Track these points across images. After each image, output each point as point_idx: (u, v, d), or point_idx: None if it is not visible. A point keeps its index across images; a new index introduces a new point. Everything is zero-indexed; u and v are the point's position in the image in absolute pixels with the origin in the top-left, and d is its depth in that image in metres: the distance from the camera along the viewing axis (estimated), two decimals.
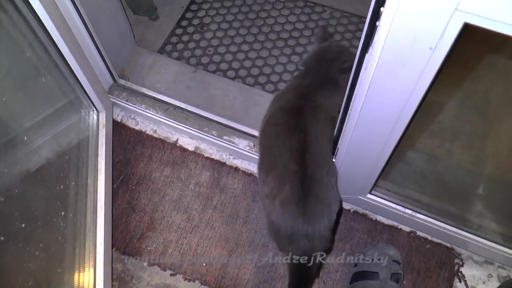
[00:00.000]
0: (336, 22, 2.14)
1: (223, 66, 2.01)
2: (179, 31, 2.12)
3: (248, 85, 1.95)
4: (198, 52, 2.05)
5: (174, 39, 2.09)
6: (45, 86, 1.44)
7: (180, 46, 2.07)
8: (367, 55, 1.06)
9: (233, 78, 1.97)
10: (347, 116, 1.31)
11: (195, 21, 2.16)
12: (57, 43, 1.35)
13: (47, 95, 1.47)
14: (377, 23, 0.95)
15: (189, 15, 2.18)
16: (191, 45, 2.08)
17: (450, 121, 1.63)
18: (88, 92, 1.58)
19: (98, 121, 1.69)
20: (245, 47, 2.06)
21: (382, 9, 0.91)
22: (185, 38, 2.10)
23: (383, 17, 0.91)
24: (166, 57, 2.00)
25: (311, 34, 2.10)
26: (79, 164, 1.55)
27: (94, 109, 1.70)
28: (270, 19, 2.16)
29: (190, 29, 2.13)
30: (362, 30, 2.05)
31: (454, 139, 1.66)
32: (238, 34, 2.11)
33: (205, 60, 2.03)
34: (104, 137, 1.66)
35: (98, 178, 1.59)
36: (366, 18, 1.96)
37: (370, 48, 1.01)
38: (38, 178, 1.36)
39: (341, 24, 2.14)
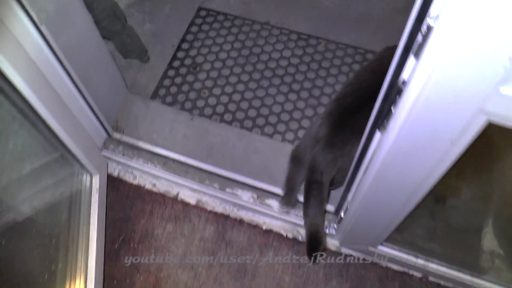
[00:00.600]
0: (332, 55, 2.10)
1: (219, 109, 1.95)
2: (171, 72, 2.06)
3: (246, 128, 1.90)
4: (192, 95, 1.99)
5: (167, 82, 2.03)
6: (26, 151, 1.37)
7: (173, 89, 2.01)
8: (379, 133, 1.01)
9: (231, 122, 1.92)
10: (357, 180, 1.27)
11: (187, 61, 2.09)
12: (45, 119, 1.28)
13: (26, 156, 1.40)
14: (392, 109, 0.90)
15: (180, 54, 2.12)
16: (185, 87, 2.02)
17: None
18: (80, 158, 1.50)
19: (91, 186, 1.61)
20: (240, 87, 2.01)
21: (397, 97, 0.87)
22: (178, 80, 2.04)
23: (400, 106, 0.86)
24: (160, 104, 1.94)
25: (307, 69, 2.05)
26: (69, 242, 1.47)
27: (87, 172, 1.62)
28: (264, 55, 2.10)
29: (183, 70, 2.07)
30: (358, 62, 2.03)
31: (468, 188, 1.63)
32: (233, 73, 2.05)
33: (200, 103, 1.97)
34: (97, 203, 1.58)
35: (89, 250, 1.52)
36: (361, 48, 1.91)
37: (385, 131, 0.96)
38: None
39: (337, 57, 2.09)
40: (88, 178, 1.61)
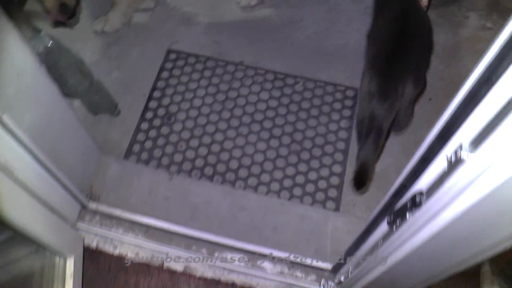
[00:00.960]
0: (311, 95, 2.02)
1: (199, 162, 1.85)
2: (144, 125, 1.94)
3: (229, 182, 1.81)
4: (169, 149, 1.88)
5: (141, 137, 1.92)
6: None
7: (148, 144, 1.90)
8: (387, 225, 0.94)
9: (212, 176, 1.82)
10: (357, 254, 1.20)
11: (161, 112, 1.98)
12: (13, 224, 1.14)
13: None
14: (407, 214, 0.82)
15: (152, 104, 2.00)
16: (161, 141, 1.90)
17: None
18: (50, 244, 1.34)
19: (64, 270, 1.46)
20: (219, 137, 1.91)
21: (413, 208, 0.79)
22: (152, 133, 1.92)
23: (418, 217, 0.79)
24: (136, 164, 1.82)
25: (286, 112, 1.97)
26: None
27: (59, 255, 1.46)
28: (240, 99, 2.01)
29: (157, 122, 1.95)
30: (339, 100, 1.99)
31: None
32: (209, 121, 1.95)
33: (178, 158, 1.86)
34: None
35: None
36: (341, 85, 2.02)
37: (397, 229, 0.89)
38: None
39: (316, 96, 2.02)
40: (61, 261, 1.47)
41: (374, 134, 1.54)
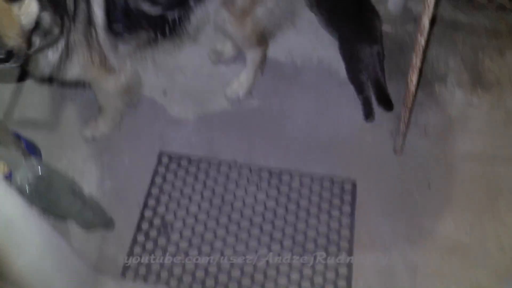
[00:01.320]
0: (308, 192, 1.99)
1: (199, 274, 1.79)
2: (141, 237, 1.88)
3: None
4: (167, 261, 1.82)
5: (137, 250, 1.85)
6: None
7: (145, 257, 1.83)
8: None
9: None
10: None
11: (157, 221, 1.93)
12: None
13: None
14: None
15: (148, 213, 1.95)
16: (158, 253, 1.84)
17: None
18: None
19: None
20: (218, 244, 1.85)
21: None
22: (149, 246, 1.86)
23: None
24: (134, 282, 1.75)
25: (285, 213, 1.93)
26: None
27: None
28: (237, 202, 1.97)
29: (153, 233, 1.89)
30: (337, 195, 1.95)
31: None
32: (207, 229, 1.90)
33: (177, 270, 1.80)
34: None
35: None
36: (338, 177, 2.00)
37: None
38: None
39: (314, 193, 1.98)
40: None
41: (375, 57, 2.09)
